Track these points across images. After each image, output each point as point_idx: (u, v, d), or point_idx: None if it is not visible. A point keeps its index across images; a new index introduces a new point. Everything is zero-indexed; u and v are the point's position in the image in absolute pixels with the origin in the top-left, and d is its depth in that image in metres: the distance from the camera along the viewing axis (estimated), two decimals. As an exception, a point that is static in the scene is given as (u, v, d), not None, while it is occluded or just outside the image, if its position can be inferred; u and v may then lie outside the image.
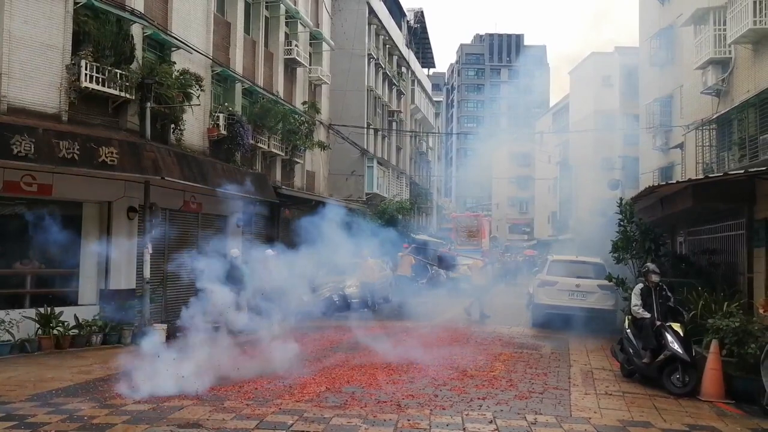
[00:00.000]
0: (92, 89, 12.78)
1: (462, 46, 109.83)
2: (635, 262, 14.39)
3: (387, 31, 36.57)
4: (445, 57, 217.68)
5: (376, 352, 11.67)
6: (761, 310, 10.66)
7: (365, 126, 31.59)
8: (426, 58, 52.97)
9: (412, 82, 45.24)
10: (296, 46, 22.79)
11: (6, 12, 11.54)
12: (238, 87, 19.06)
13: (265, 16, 21.11)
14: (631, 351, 10.23)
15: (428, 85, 54.61)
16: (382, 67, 36.01)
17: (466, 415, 7.71)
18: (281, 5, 21.78)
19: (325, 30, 27.05)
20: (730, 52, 16.15)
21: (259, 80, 20.30)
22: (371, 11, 33.10)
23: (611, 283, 14.51)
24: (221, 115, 17.22)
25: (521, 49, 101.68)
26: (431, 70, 60.21)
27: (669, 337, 9.49)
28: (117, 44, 13.34)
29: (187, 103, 15.08)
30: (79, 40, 12.88)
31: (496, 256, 39.25)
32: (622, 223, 14.66)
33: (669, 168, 22.55)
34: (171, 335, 12.33)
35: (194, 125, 16.34)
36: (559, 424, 7.43)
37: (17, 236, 12.29)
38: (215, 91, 18.02)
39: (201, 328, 9.89)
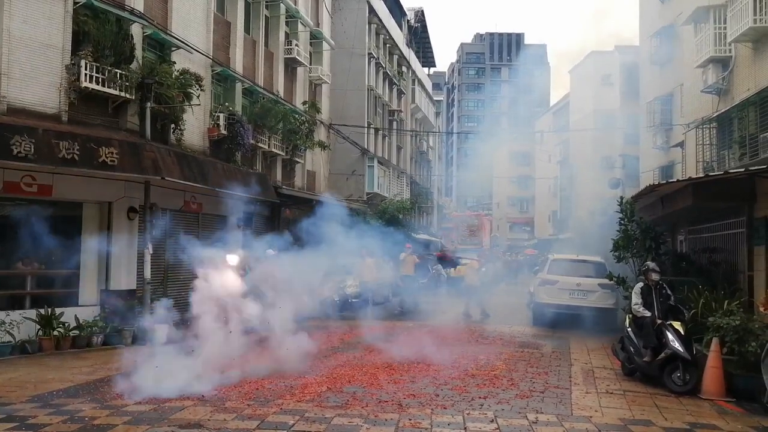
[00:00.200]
0: (92, 89, 12.77)
1: (462, 45, 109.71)
2: (636, 260, 14.39)
3: (387, 31, 36.52)
4: (445, 56, 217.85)
5: (377, 351, 11.66)
6: (762, 308, 10.65)
7: (366, 125, 31.53)
8: (426, 57, 52.87)
9: (413, 81, 45.15)
10: (296, 45, 22.79)
11: (6, 12, 11.53)
12: (239, 87, 19.05)
13: (265, 16, 21.10)
14: (631, 349, 10.23)
15: (429, 85, 54.53)
16: (382, 67, 35.95)
17: (468, 414, 7.71)
18: (281, 5, 21.76)
19: (326, 29, 27.03)
20: (730, 50, 16.16)
21: (260, 80, 20.30)
22: (371, 10, 33.04)
23: (612, 282, 14.53)
24: (221, 115, 17.20)
25: (521, 48, 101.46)
26: (431, 70, 60.12)
27: (670, 336, 9.50)
28: (117, 44, 13.33)
29: (187, 103, 15.07)
30: (78, 40, 12.85)
31: (497, 255, 39.31)
32: (622, 221, 14.67)
33: (669, 166, 22.53)
34: (172, 335, 12.30)
35: (194, 125, 16.33)
36: (560, 423, 7.44)
37: (17, 237, 12.25)
38: (215, 90, 18.01)
39: (202, 328, 9.86)
